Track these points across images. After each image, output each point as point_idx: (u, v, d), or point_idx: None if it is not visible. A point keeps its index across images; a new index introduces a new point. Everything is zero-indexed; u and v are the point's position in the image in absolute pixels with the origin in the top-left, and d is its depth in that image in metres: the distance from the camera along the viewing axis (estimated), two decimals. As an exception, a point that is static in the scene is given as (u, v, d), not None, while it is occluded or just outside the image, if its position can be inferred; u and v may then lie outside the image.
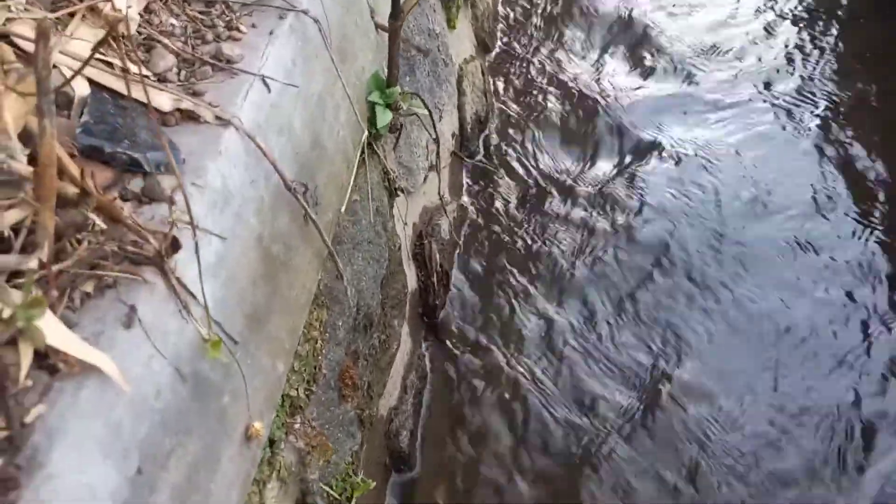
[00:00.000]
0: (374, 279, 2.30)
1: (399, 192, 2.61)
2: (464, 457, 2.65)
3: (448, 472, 2.61)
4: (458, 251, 3.27)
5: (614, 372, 2.87)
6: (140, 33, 1.50)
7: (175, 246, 1.15)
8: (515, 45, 4.34)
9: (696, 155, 3.71)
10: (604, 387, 2.82)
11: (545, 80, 4.12)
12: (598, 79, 4.15)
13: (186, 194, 1.17)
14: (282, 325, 1.58)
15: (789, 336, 2.96)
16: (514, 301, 3.10)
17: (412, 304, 2.85)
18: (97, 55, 1.20)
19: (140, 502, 1.05)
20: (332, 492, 1.94)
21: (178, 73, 1.48)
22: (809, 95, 4.03)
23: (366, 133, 2.17)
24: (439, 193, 3.05)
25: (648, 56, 4.30)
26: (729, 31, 4.47)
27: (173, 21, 1.58)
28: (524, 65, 4.21)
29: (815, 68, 4.20)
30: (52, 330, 0.97)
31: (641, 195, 3.52)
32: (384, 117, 2.22)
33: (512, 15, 4.52)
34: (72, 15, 1.39)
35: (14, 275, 1.02)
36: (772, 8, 4.65)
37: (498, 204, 3.49)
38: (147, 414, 1.09)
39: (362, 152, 2.14)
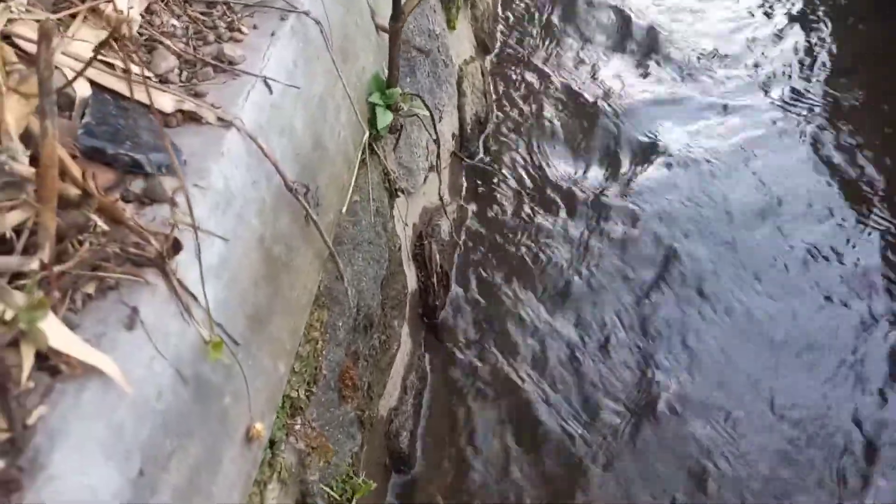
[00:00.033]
0: (374, 280, 2.30)
1: (399, 193, 2.61)
2: (464, 457, 2.65)
3: (448, 473, 2.61)
4: (458, 252, 3.27)
5: (615, 374, 2.87)
6: (141, 34, 1.49)
7: (177, 247, 1.15)
8: (515, 45, 4.33)
9: (696, 158, 3.70)
10: (604, 389, 2.82)
11: (545, 81, 4.12)
12: (598, 80, 4.14)
13: (189, 195, 1.17)
14: (283, 326, 1.58)
15: (796, 343, 2.95)
16: (514, 302, 3.10)
17: (412, 304, 2.85)
18: (98, 56, 1.20)
19: (142, 504, 1.05)
20: (332, 493, 1.94)
21: (180, 74, 1.48)
22: (810, 96, 4.03)
23: (366, 134, 2.17)
24: (439, 194, 3.05)
25: (649, 58, 4.30)
26: (730, 33, 4.46)
27: (175, 22, 1.58)
28: (524, 66, 4.21)
29: (815, 69, 4.20)
30: (53, 331, 0.97)
31: (641, 199, 3.51)
32: (385, 118, 2.22)
33: (511, 16, 4.52)
34: (73, 16, 1.39)
35: (16, 276, 1.02)
36: (772, 8, 4.65)
37: (498, 205, 3.49)
38: (149, 415, 1.09)
39: (363, 153, 2.14)
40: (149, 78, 1.40)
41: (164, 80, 1.45)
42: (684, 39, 4.39)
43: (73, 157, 1.17)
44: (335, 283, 1.96)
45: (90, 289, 1.08)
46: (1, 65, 1.13)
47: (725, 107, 3.99)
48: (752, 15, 4.61)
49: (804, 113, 3.93)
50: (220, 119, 1.40)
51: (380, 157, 2.35)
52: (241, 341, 1.36)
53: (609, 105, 3.98)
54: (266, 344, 1.49)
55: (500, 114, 3.94)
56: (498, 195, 3.53)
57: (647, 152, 3.74)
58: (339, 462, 2.01)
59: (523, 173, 3.64)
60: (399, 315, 2.62)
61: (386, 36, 2.24)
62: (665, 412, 2.75)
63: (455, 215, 3.34)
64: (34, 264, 1.01)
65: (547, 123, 3.89)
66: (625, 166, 3.70)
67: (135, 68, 1.28)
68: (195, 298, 1.21)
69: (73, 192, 1.09)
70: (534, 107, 3.98)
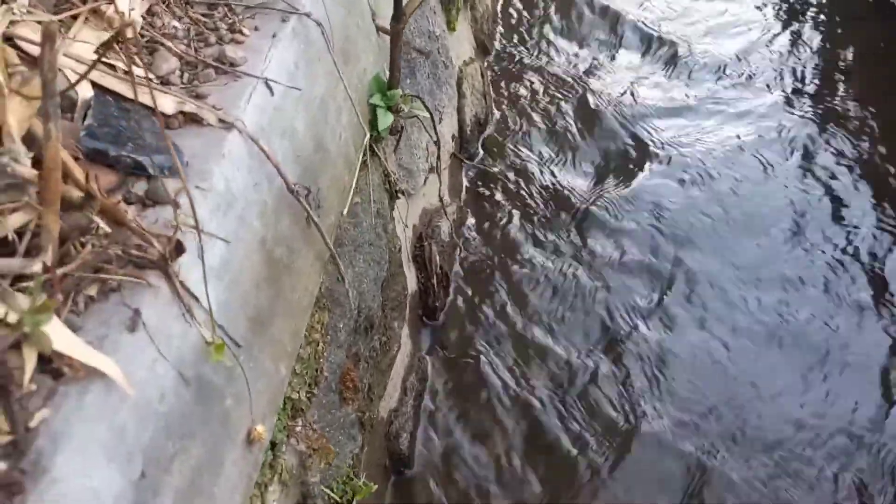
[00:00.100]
0: (374, 281, 2.30)
1: (400, 194, 2.61)
2: (463, 458, 2.65)
3: (448, 474, 2.61)
4: (458, 253, 3.27)
5: (616, 376, 2.87)
6: (143, 36, 1.49)
7: (179, 249, 1.15)
8: (514, 47, 4.34)
9: (695, 159, 3.70)
10: (605, 391, 2.82)
11: (544, 83, 4.12)
12: (596, 82, 4.15)
13: (192, 197, 1.17)
14: (284, 327, 1.58)
15: (798, 346, 2.94)
16: (514, 303, 3.10)
17: (412, 305, 2.85)
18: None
19: (144, 506, 1.05)
20: (332, 494, 1.93)
21: (181, 76, 1.48)
22: (810, 97, 4.03)
23: (367, 135, 2.17)
24: (439, 195, 3.05)
25: (648, 60, 4.30)
26: (729, 35, 4.47)
27: (176, 24, 1.58)
28: (523, 67, 4.21)
29: (815, 69, 4.20)
30: (56, 334, 0.97)
31: (639, 200, 3.51)
32: (385, 119, 2.22)
33: (511, 17, 4.52)
34: (74, 17, 1.38)
35: (18, 278, 1.02)
36: (772, 8, 4.66)
37: (497, 206, 3.49)
38: (151, 418, 1.09)
39: (364, 154, 2.14)
40: (150, 80, 1.40)
41: (165, 81, 1.45)
42: (684, 41, 4.39)
43: (76, 158, 1.16)
44: (336, 285, 1.96)
45: (92, 291, 1.08)
46: (3, 66, 1.12)
47: (725, 109, 3.99)
48: (752, 16, 4.61)
49: (804, 114, 3.93)
50: (221, 121, 1.40)
51: (380, 159, 2.35)
52: (242, 343, 1.36)
53: (608, 106, 3.99)
54: (267, 346, 1.49)
55: (499, 115, 3.94)
56: (498, 196, 3.53)
57: (646, 154, 3.74)
58: (340, 464, 2.01)
59: (523, 174, 3.64)
60: (399, 316, 2.62)
61: (386, 37, 2.24)
62: (670, 412, 2.75)
63: (455, 216, 3.34)
64: (37, 266, 1.01)
65: (546, 125, 3.89)
66: (623, 168, 3.69)
67: (137, 70, 1.28)
68: (197, 300, 1.21)
69: (76, 194, 1.08)
70: (533, 108, 3.98)
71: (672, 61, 4.28)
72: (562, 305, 3.11)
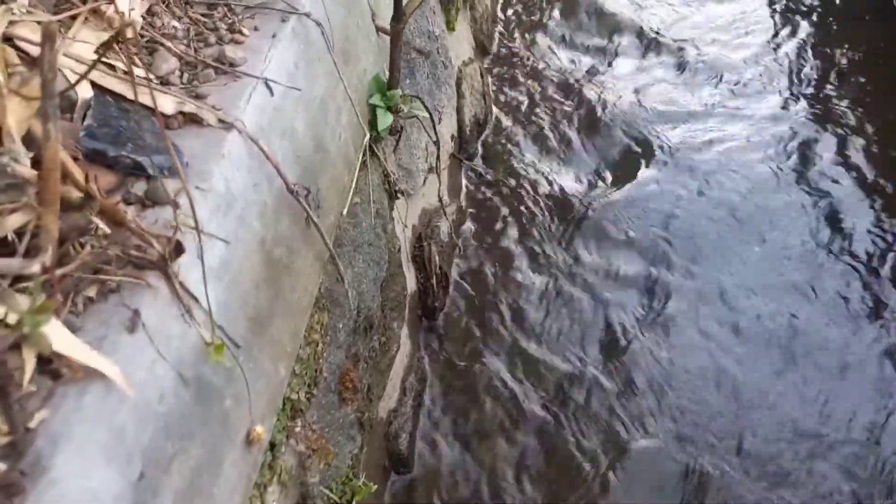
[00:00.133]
0: (374, 281, 2.30)
1: (399, 195, 2.61)
2: (463, 458, 2.65)
3: (447, 474, 2.61)
4: (457, 253, 3.27)
5: (616, 378, 2.87)
6: (143, 36, 1.49)
7: (179, 250, 1.15)
8: (514, 47, 4.34)
9: (695, 161, 3.71)
10: (605, 390, 2.82)
11: (543, 83, 4.12)
12: (595, 83, 4.15)
13: (191, 198, 1.17)
14: (284, 328, 1.58)
15: (800, 349, 2.94)
16: (513, 303, 3.10)
17: (411, 306, 2.85)
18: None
19: (143, 507, 1.05)
20: (332, 495, 1.93)
21: (181, 76, 1.48)
22: (810, 98, 4.03)
23: (367, 135, 2.17)
24: (439, 195, 3.05)
25: (648, 62, 4.30)
26: (729, 36, 4.46)
27: (175, 24, 1.58)
28: (522, 67, 4.21)
29: (815, 70, 4.20)
30: (55, 334, 0.97)
31: (638, 201, 3.51)
32: (385, 120, 2.22)
33: (510, 17, 4.52)
34: (74, 17, 1.38)
35: (17, 279, 1.02)
36: (773, 10, 4.66)
37: (497, 206, 3.49)
38: (150, 418, 1.08)
39: (364, 155, 2.14)
40: (150, 80, 1.40)
41: (165, 81, 1.45)
42: (684, 42, 4.39)
43: (75, 159, 1.16)
44: (336, 285, 1.96)
45: (92, 292, 1.08)
46: (3, 67, 1.12)
47: (725, 110, 3.98)
48: (754, 19, 4.61)
49: (806, 116, 3.93)
50: (221, 121, 1.40)
51: (380, 159, 2.34)
52: (242, 344, 1.36)
53: (606, 107, 3.98)
54: (267, 346, 1.49)
55: (498, 115, 3.94)
56: (497, 196, 3.53)
57: (644, 156, 3.74)
58: (339, 464, 2.01)
59: (522, 174, 3.64)
60: (398, 317, 2.62)
61: (386, 38, 2.24)
62: (671, 415, 2.75)
63: (454, 216, 3.34)
64: (36, 267, 1.01)
65: (545, 125, 3.89)
66: (621, 169, 3.69)
67: (137, 70, 1.28)
68: (197, 301, 1.21)
69: (75, 194, 1.08)
70: (532, 108, 3.98)
71: (672, 63, 4.28)
72: (562, 305, 3.11)
